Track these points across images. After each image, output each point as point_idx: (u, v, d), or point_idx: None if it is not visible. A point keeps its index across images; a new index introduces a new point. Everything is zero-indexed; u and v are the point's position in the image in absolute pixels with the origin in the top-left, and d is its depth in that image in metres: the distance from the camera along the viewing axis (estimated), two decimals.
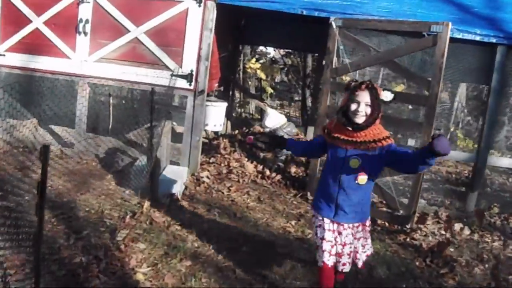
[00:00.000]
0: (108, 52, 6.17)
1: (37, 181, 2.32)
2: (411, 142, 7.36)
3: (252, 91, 12.03)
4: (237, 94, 10.49)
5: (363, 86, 2.81)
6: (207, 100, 6.82)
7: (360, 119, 2.80)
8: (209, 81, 6.24)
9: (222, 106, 7.11)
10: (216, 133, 7.92)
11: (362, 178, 2.88)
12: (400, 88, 9.15)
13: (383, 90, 2.84)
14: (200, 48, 5.92)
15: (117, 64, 6.17)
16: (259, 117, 9.72)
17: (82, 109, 6.52)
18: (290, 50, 13.23)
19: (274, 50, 15.22)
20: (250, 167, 6.58)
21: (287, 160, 6.91)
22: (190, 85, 5.99)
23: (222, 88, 8.47)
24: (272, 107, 8.54)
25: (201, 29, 5.89)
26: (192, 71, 5.96)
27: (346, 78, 5.93)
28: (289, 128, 6.97)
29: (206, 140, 7.67)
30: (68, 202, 5.09)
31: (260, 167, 6.65)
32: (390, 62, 5.32)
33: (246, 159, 6.80)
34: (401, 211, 5.41)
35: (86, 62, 6.24)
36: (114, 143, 7.01)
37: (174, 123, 9.02)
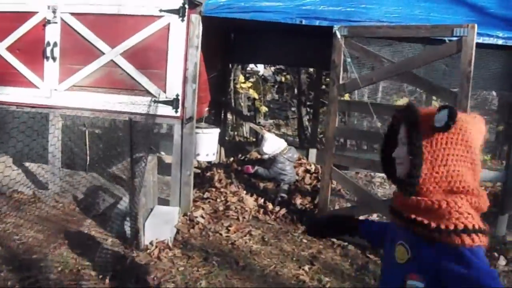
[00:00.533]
0: (81, 78, 5.38)
1: None
2: None
3: (245, 112, 11.28)
4: (229, 116, 9.73)
5: (398, 114, 1.62)
6: (197, 127, 6.04)
7: (398, 170, 1.59)
8: (198, 106, 5.47)
9: (214, 133, 6.33)
10: (209, 162, 7.11)
11: (412, 285, 1.49)
12: (403, 101, 8.35)
13: (438, 111, 1.46)
14: (185, 69, 5.15)
15: (91, 92, 5.38)
16: (254, 139, 8.96)
17: (56, 144, 5.70)
18: (281, 67, 12.56)
19: (265, 68, 14.53)
20: (250, 201, 5.77)
21: (291, 190, 6.12)
22: (176, 112, 5.21)
23: (212, 112, 7.71)
24: (265, 127, 7.77)
25: (185, 47, 5.13)
26: (177, 95, 5.19)
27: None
28: (290, 153, 6.18)
29: (198, 171, 6.87)
30: (38, 259, 4.28)
31: (261, 200, 5.84)
32: (407, 73, 4.58)
33: (245, 191, 5.99)
34: None
35: (56, 91, 5.45)
36: (94, 180, 6.19)
37: (162, 152, 8.23)
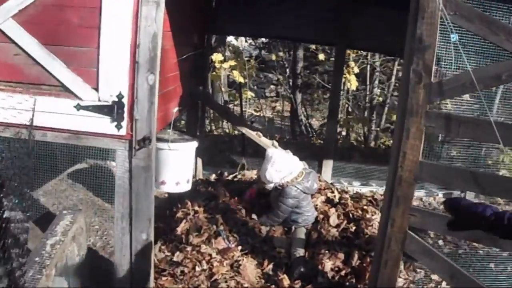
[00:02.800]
0: None
1: None
2: None
3: (225, 98, 8.84)
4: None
5: None
6: (160, 140, 3.70)
7: None
8: (161, 110, 3.10)
9: (189, 148, 3.93)
10: None
11: None
12: None
13: None
14: (135, 45, 2.71)
15: None
16: (240, 133, 6.60)
17: None
18: (264, 40, 10.11)
19: (246, 41, 12.00)
20: (250, 269, 3.46)
21: (311, 242, 3.86)
22: (118, 127, 2.80)
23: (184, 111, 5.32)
24: (261, 131, 5.24)
25: (136, 3, 2.69)
26: (120, 96, 2.77)
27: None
28: (308, 181, 3.89)
29: (164, 194, 4.52)
30: None
31: (268, 266, 3.55)
32: None
33: (240, 247, 3.67)
34: None
35: None
36: None
37: (113, 163, 5.79)
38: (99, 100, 2.78)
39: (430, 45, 2.54)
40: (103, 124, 2.80)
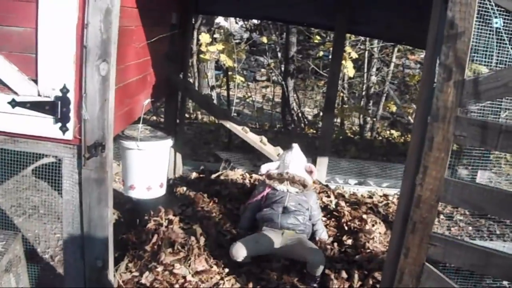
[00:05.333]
0: None
1: None
2: None
3: (211, 83, 8.20)
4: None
5: None
6: (127, 138, 3.14)
7: None
8: (124, 104, 2.51)
9: (162, 147, 3.35)
10: None
11: None
12: None
13: None
14: (83, 25, 2.10)
15: None
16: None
17: None
18: (256, 22, 9.41)
19: (237, 22, 11.29)
20: None
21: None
22: (63, 129, 2.21)
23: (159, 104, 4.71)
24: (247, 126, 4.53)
25: None
26: (65, 90, 2.17)
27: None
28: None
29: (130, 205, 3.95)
30: None
31: None
32: None
33: (222, 267, 3.12)
34: None
35: None
36: None
37: None
38: (39, 95, 2.17)
39: (465, 31, 1.96)
40: (45, 125, 2.20)
